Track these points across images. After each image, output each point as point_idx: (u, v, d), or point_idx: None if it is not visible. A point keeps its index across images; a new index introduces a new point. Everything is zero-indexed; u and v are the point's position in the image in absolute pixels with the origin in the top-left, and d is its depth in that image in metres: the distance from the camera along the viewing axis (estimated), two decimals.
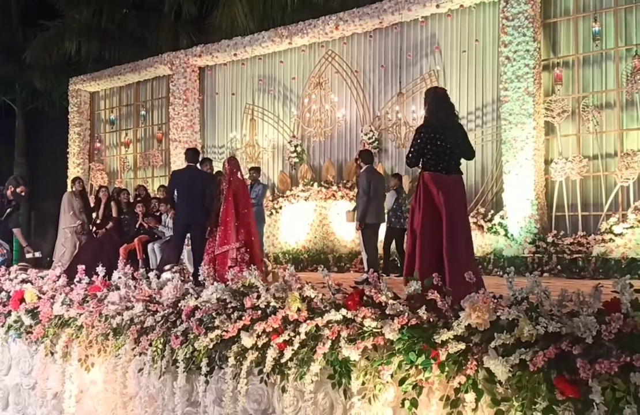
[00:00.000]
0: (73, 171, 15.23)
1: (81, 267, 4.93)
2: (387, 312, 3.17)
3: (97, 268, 5.23)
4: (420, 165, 4.66)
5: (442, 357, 2.95)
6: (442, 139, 4.50)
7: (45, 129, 19.30)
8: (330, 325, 3.35)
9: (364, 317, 3.21)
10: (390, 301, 3.17)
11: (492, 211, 10.17)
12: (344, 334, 3.32)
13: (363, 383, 3.31)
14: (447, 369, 2.97)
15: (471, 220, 10.20)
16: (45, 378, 4.94)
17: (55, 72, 16.77)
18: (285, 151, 12.66)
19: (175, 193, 7.93)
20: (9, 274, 5.75)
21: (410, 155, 4.65)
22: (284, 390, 3.60)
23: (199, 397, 4.02)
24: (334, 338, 3.31)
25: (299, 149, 12.41)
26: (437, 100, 4.74)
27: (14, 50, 17.60)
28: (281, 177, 12.63)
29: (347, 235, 11.42)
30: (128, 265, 5.09)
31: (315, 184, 12.01)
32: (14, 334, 5.18)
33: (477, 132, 10.69)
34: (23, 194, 8.96)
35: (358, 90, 11.87)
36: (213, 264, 7.57)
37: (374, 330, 3.21)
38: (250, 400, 3.78)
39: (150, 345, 4.15)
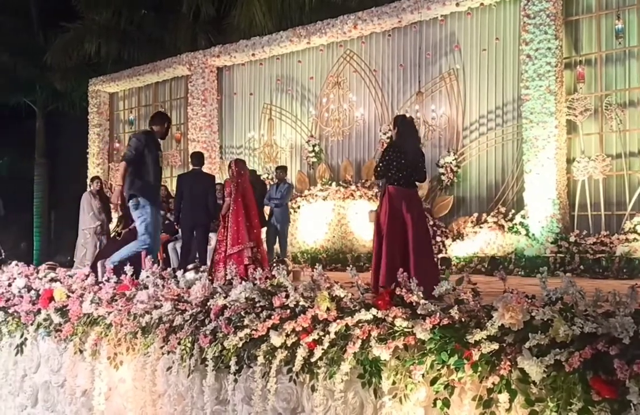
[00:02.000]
0: (93, 171, 15.37)
1: (109, 266, 4.99)
2: (418, 312, 3.17)
3: (119, 268, 5.31)
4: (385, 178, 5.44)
5: (475, 357, 2.95)
6: (405, 158, 5.29)
7: (65, 130, 19.50)
8: (360, 325, 3.36)
9: (395, 317, 3.22)
10: (422, 301, 3.17)
11: (512, 211, 10.11)
12: (374, 333, 3.33)
13: (394, 382, 3.31)
14: (480, 369, 2.96)
15: (491, 219, 10.21)
16: (74, 376, 5.00)
17: (75, 74, 16.94)
18: (303, 151, 12.68)
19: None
20: (38, 272, 5.83)
21: (379, 169, 5.37)
22: (313, 389, 3.61)
23: (227, 396, 4.05)
24: (364, 338, 3.31)
25: (317, 148, 12.44)
26: (406, 125, 5.59)
27: (34, 52, 17.80)
28: (299, 177, 12.66)
29: (366, 235, 11.40)
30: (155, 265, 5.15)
31: (334, 184, 12.02)
32: (43, 332, 5.24)
33: (497, 131, 10.65)
34: None
35: (376, 90, 11.86)
36: (224, 264, 7.63)
37: (405, 330, 3.21)
38: (280, 399, 3.79)
39: (179, 343, 4.18)
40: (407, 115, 6.38)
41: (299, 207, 12.33)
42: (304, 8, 13.65)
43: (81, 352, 4.92)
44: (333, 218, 11.93)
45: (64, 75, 17.13)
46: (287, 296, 3.71)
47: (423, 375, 3.18)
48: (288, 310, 3.72)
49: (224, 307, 4.01)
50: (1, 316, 5.63)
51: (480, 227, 10.30)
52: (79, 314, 4.90)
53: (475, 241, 10.27)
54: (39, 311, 5.31)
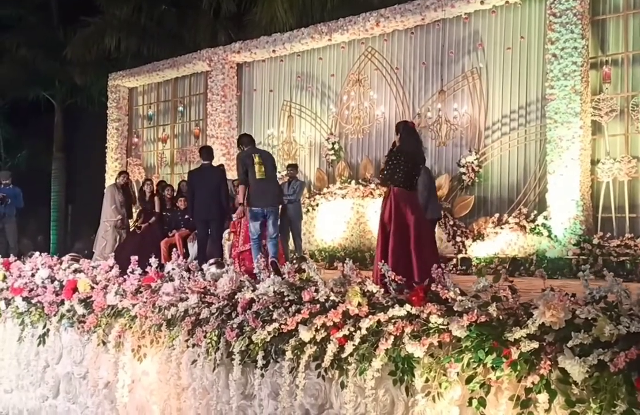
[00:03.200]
0: (111, 166, 15.42)
1: (134, 258, 4.95)
2: (455, 308, 3.09)
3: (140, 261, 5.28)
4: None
5: (514, 356, 2.86)
6: (408, 163, 5.57)
7: (83, 125, 19.59)
8: (393, 321, 3.28)
9: (430, 314, 3.14)
10: (459, 297, 3.08)
11: (535, 212, 9.97)
12: (407, 330, 3.25)
13: (427, 380, 3.24)
14: (518, 368, 2.88)
15: (513, 220, 10.08)
16: (97, 367, 4.97)
17: (95, 68, 16.99)
18: (323, 148, 12.61)
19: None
20: (61, 263, 5.82)
21: (384, 175, 5.64)
22: (343, 385, 3.54)
23: (253, 390, 3.99)
24: (397, 334, 3.23)
25: (336, 146, 12.36)
26: (409, 132, 5.86)
27: (54, 46, 17.90)
28: (318, 175, 12.60)
29: None
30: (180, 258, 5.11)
31: (353, 182, 11.94)
32: (66, 323, 5.22)
33: (519, 131, 10.52)
34: None
35: (398, 88, 11.76)
36: (238, 259, 7.61)
37: (440, 326, 3.13)
38: (307, 394, 3.73)
39: (205, 337, 4.13)
40: (409, 121, 6.95)
41: (317, 205, 12.26)
42: (325, 5, 13.57)
43: (104, 343, 4.90)
44: (352, 216, 11.84)
45: (84, 69, 17.19)
46: (316, 291, 3.63)
47: (458, 374, 3.10)
48: (317, 305, 3.66)
49: (252, 300, 3.95)
50: (24, 306, 5.63)
51: (502, 228, 10.17)
52: (102, 306, 4.88)
53: (496, 242, 10.14)
54: (62, 302, 5.30)
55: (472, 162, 10.71)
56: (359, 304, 3.47)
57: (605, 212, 9.57)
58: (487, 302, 3.12)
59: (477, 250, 10.24)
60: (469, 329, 3.02)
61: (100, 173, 15.71)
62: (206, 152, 8.57)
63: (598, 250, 9.19)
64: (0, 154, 20.87)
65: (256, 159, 7.18)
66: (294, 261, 8.41)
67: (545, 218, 9.74)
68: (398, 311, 3.25)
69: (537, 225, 9.81)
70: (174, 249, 5.56)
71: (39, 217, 19.83)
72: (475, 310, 3.01)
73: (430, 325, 3.16)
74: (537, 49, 10.29)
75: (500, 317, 3.02)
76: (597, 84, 9.73)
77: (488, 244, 10.21)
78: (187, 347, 4.34)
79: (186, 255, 9.14)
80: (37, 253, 6.20)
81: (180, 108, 14.94)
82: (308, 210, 12.17)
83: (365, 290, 3.47)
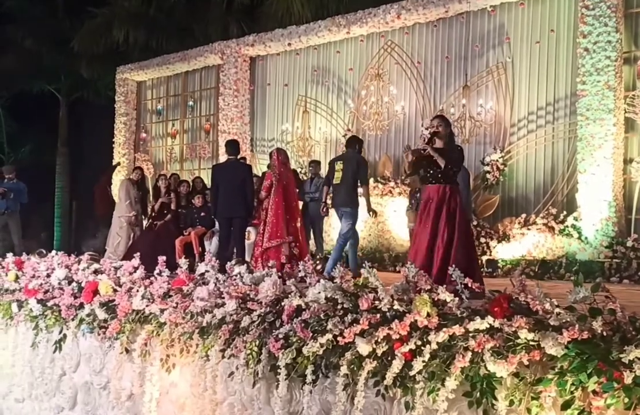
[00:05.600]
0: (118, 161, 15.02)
1: (161, 259, 4.54)
2: (551, 322, 2.67)
3: (154, 260, 4.89)
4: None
5: (628, 380, 2.46)
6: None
7: (89, 119, 19.21)
8: (473, 334, 2.87)
9: (519, 327, 2.72)
10: (557, 310, 2.67)
11: (564, 212, 9.57)
12: (488, 345, 2.84)
13: (511, 402, 2.83)
14: (631, 394, 2.47)
15: (541, 221, 9.69)
16: (119, 377, 4.57)
17: (101, 61, 16.56)
18: (339, 145, 12.19)
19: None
20: (79, 263, 5.40)
21: (454, 170, 5.35)
22: (408, 406, 3.14)
23: (299, 408, 3.59)
24: (479, 350, 2.82)
25: None
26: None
27: (60, 38, 17.46)
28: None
29: (404, 234, 10.91)
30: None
31: (371, 180, 11.53)
32: (85, 329, 4.81)
33: (547, 128, 10.12)
34: None
35: (419, 82, 11.35)
36: (262, 257, 7.25)
37: (531, 343, 2.72)
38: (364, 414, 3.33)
39: (245, 347, 3.72)
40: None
41: None
42: None
43: (128, 352, 4.50)
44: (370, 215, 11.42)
45: (90, 62, 16.76)
46: (377, 298, 3.22)
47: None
48: (377, 315, 3.25)
49: (300, 308, 3.54)
50: (39, 309, 5.22)
51: (528, 229, 9.78)
52: (127, 310, 4.46)
53: (523, 243, 9.75)
54: (81, 305, 4.89)
55: (497, 161, 10.31)
56: (428, 315, 3.06)
57: (638, 213, 9.17)
58: (584, 316, 2.70)
59: (503, 252, 9.84)
60: (567, 347, 2.61)
61: (106, 169, 15.28)
62: (232, 146, 8.18)
63: (632, 254, 8.78)
64: (4, 148, 20.42)
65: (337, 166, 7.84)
66: (318, 261, 8.01)
67: (576, 219, 9.34)
68: (480, 324, 2.84)
69: (567, 226, 9.41)
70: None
71: (43, 214, 19.46)
72: (577, 326, 2.59)
73: (519, 341, 2.74)
74: (567, 42, 9.88)
75: (604, 334, 2.61)
76: (631, 79, 9.33)
77: (514, 245, 9.81)
78: (223, 357, 3.93)
79: (203, 254, 8.75)
80: (53, 252, 5.76)
81: (191, 102, 14.56)
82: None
83: (436, 298, 3.06)
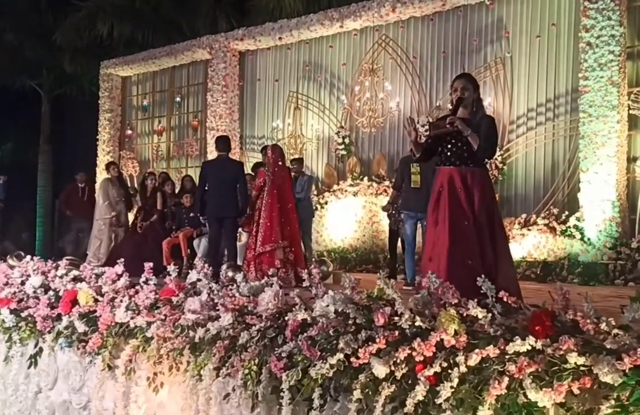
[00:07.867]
0: (103, 159, 14.55)
1: (148, 265, 4.12)
2: (607, 345, 2.30)
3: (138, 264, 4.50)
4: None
5: None
6: None
7: (72, 116, 18.70)
8: (510, 357, 2.49)
9: (567, 350, 2.34)
10: (615, 331, 2.30)
11: (565, 212, 9.27)
12: (529, 370, 2.46)
13: None
14: None
15: (541, 221, 9.40)
16: (100, 397, 4.15)
17: (85, 55, 16.05)
18: (332, 143, 11.85)
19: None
20: (57, 269, 4.95)
21: (492, 147, 4.40)
22: None
23: None
24: (519, 376, 2.44)
25: (347, 140, 11.60)
26: None
27: (42, 32, 16.87)
28: (327, 170, 11.85)
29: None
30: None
31: (365, 179, 11.20)
32: (63, 342, 4.38)
33: (547, 125, 9.83)
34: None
35: (414, 78, 11.01)
36: (254, 262, 6.85)
37: (581, 368, 2.34)
38: None
39: (242, 366, 3.32)
40: None
41: (326, 203, 11.54)
42: None
43: (111, 368, 4.07)
44: (364, 215, 11.12)
45: (73, 57, 16.22)
46: (395, 313, 2.83)
47: None
48: (396, 332, 2.85)
49: (305, 322, 3.13)
50: (12, 320, 4.77)
51: (529, 230, 9.48)
52: (109, 323, 4.03)
53: (523, 244, 9.45)
54: (59, 317, 4.45)
55: (496, 159, 9.97)
56: (456, 333, 2.67)
57: None
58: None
59: None
60: (627, 374, 2.24)
61: (90, 167, 14.78)
62: (223, 143, 7.75)
63: (637, 255, 8.51)
64: None
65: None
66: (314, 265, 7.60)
67: (578, 219, 9.05)
68: (521, 345, 2.45)
69: (569, 227, 9.12)
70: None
71: (24, 214, 18.90)
72: (639, 350, 2.22)
73: (567, 365, 2.36)
74: (569, 37, 9.58)
75: None
76: (634, 75, 9.04)
77: (514, 246, 9.45)
78: (217, 377, 3.52)
79: (191, 257, 8.32)
80: (28, 257, 5.30)
81: (178, 98, 14.14)
82: (316, 209, 11.41)
83: (465, 314, 2.67)
